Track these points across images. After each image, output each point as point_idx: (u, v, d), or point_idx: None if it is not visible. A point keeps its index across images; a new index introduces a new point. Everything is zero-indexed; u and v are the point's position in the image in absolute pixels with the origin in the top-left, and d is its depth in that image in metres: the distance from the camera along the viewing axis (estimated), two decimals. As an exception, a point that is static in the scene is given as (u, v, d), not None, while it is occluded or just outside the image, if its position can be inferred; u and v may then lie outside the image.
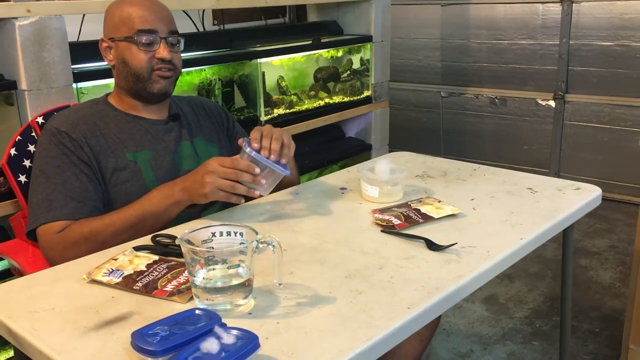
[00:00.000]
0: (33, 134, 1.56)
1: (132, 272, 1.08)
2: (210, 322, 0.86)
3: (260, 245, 0.96)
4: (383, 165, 1.46)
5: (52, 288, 1.06)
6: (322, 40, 2.95)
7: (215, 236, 1.00)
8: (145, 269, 1.08)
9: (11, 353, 1.71)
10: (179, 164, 1.46)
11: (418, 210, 1.34)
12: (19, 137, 1.54)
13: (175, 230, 1.26)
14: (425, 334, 1.46)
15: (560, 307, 1.67)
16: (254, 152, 1.29)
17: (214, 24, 3.14)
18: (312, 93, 3.00)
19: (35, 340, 0.90)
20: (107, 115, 1.45)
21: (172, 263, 1.10)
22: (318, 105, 2.97)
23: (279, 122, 2.71)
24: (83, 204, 1.33)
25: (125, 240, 1.26)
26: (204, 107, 1.62)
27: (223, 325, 0.85)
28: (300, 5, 3.34)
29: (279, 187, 1.54)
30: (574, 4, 3.50)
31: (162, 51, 1.41)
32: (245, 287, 0.97)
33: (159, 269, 1.08)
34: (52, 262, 1.29)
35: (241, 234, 1.00)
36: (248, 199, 1.58)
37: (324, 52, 3.06)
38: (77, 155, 1.36)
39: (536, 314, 2.39)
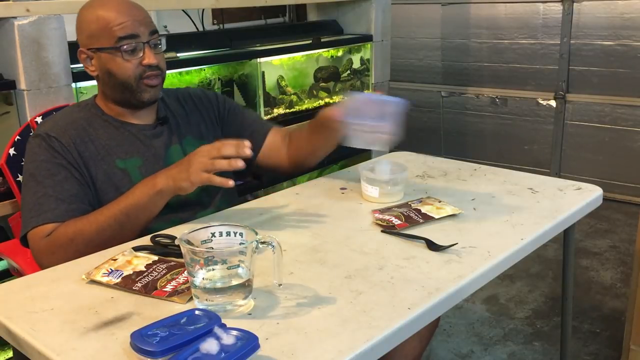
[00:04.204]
0: (32, 133, 1.55)
1: (131, 272, 1.07)
2: (210, 322, 0.86)
3: (260, 246, 0.96)
4: (383, 165, 1.46)
5: (51, 288, 1.06)
6: (322, 40, 2.95)
7: (214, 236, 1.00)
8: (145, 269, 1.08)
9: (10, 354, 1.70)
10: None
11: (418, 211, 1.34)
12: (17, 137, 1.53)
13: (175, 231, 1.26)
14: (425, 334, 1.46)
15: (561, 307, 1.66)
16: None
17: (213, 24, 3.14)
18: (314, 92, 3.00)
19: (34, 341, 0.90)
20: (95, 121, 1.42)
21: (172, 263, 1.10)
22: (318, 105, 2.96)
23: (279, 122, 2.71)
24: (74, 207, 1.31)
25: (110, 238, 1.24)
26: (192, 98, 1.58)
27: (223, 326, 0.84)
28: (300, 4, 3.34)
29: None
30: (574, 4, 3.50)
31: (148, 57, 1.37)
32: (245, 287, 0.96)
33: (159, 269, 1.08)
34: (42, 267, 1.26)
35: (241, 234, 0.99)
36: (249, 194, 1.57)
37: (324, 52, 3.05)
38: (67, 159, 1.34)
39: (537, 315, 2.39)
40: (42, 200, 1.30)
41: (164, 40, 1.44)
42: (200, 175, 1.23)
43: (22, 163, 1.51)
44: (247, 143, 1.22)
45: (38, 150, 1.35)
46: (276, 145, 1.58)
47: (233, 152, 1.22)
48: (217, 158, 1.22)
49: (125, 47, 1.35)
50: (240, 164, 1.23)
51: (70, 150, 1.35)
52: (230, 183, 1.24)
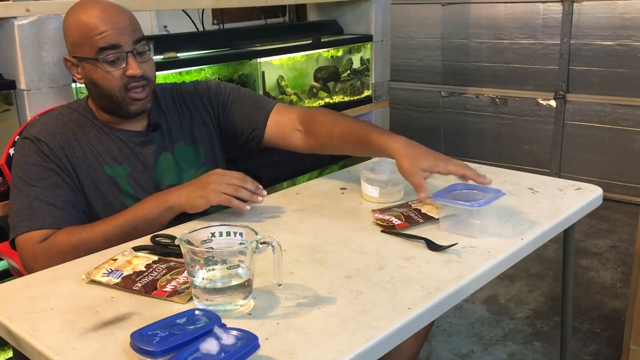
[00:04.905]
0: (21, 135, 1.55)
1: (131, 272, 1.07)
2: (210, 322, 0.86)
3: (260, 246, 0.96)
4: (383, 165, 1.46)
5: (51, 288, 1.06)
6: (322, 40, 2.95)
7: (214, 236, 1.00)
8: (145, 269, 1.08)
9: (10, 354, 1.70)
10: (159, 179, 1.42)
11: (418, 210, 1.33)
12: (18, 137, 1.53)
13: (175, 231, 1.25)
14: (421, 332, 1.44)
15: (561, 307, 1.66)
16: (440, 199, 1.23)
17: (213, 24, 3.14)
18: (314, 90, 3.00)
19: (34, 341, 0.90)
20: (86, 124, 1.40)
21: (172, 263, 1.10)
22: (318, 105, 2.96)
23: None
24: (67, 213, 1.29)
25: (113, 246, 1.22)
26: (184, 97, 1.53)
27: (223, 326, 0.84)
28: (300, 4, 3.34)
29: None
30: (574, 4, 3.50)
31: (131, 68, 1.32)
32: (245, 287, 0.96)
33: (159, 269, 1.08)
34: (31, 272, 1.22)
35: (241, 234, 0.99)
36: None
37: (324, 52, 3.05)
38: (57, 164, 1.32)
39: (537, 315, 2.39)
40: (33, 205, 1.27)
41: (152, 47, 1.38)
42: (220, 197, 1.28)
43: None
44: (264, 192, 1.34)
45: (27, 153, 1.33)
46: (281, 128, 1.53)
47: (253, 189, 1.31)
48: (238, 187, 1.29)
49: (106, 57, 1.31)
50: (259, 200, 1.32)
51: (59, 156, 1.33)
52: (247, 208, 1.31)
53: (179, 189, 1.32)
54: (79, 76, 1.38)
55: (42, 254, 1.25)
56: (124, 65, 1.33)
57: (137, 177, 1.40)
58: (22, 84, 1.76)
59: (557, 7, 3.56)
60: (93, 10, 1.32)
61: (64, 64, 1.39)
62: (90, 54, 1.32)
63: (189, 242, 0.95)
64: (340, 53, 3.13)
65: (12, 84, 1.77)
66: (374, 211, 1.35)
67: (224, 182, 1.29)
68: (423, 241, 1.19)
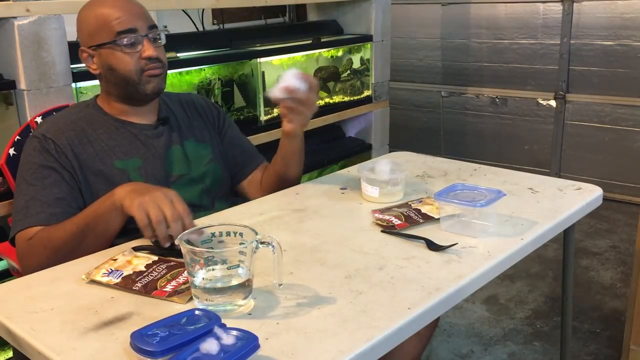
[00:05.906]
0: (31, 133, 1.55)
1: (131, 272, 1.07)
2: (210, 322, 0.86)
3: (260, 246, 0.96)
4: (383, 165, 1.46)
5: (51, 288, 1.06)
6: (322, 40, 2.95)
7: (215, 236, 1.00)
8: (145, 269, 1.08)
9: (10, 354, 1.70)
10: (170, 169, 1.44)
11: (418, 210, 1.34)
12: (17, 137, 1.53)
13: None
14: (425, 333, 1.45)
15: (561, 307, 1.66)
16: None
17: (213, 24, 3.14)
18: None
19: (34, 341, 0.90)
20: (95, 121, 1.42)
21: (172, 263, 1.10)
22: (318, 105, 2.96)
23: (279, 122, 2.70)
24: (59, 210, 1.28)
25: (76, 247, 1.20)
26: (194, 104, 1.59)
27: (223, 326, 0.84)
28: (300, 4, 3.34)
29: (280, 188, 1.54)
30: (574, 4, 3.50)
31: (148, 50, 1.37)
32: (245, 287, 0.96)
33: (159, 269, 1.08)
34: (24, 272, 1.23)
35: (241, 234, 0.99)
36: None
37: (324, 52, 3.05)
38: (60, 162, 1.33)
39: (537, 315, 2.39)
40: (30, 204, 1.29)
41: (163, 35, 1.43)
42: (139, 213, 1.13)
43: (22, 162, 1.51)
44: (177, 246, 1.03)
45: (33, 152, 1.35)
46: (255, 182, 1.61)
47: (173, 232, 1.12)
48: (165, 220, 1.13)
49: (124, 40, 1.35)
50: (166, 245, 1.14)
51: (65, 152, 1.34)
52: (151, 239, 1.16)
53: (132, 184, 1.24)
54: (95, 66, 1.41)
55: (25, 252, 1.26)
56: (139, 49, 1.37)
57: (149, 169, 1.41)
58: (22, 84, 1.76)
59: (557, 7, 3.56)
60: (108, 1, 1.38)
61: (80, 56, 1.42)
62: (108, 38, 1.36)
63: (189, 242, 0.95)
64: (340, 53, 3.14)
65: (12, 84, 1.77)
66: (374, 211, 1.35)
67: (157, 204, 1.13)
68: (423, 241, 1.19)
